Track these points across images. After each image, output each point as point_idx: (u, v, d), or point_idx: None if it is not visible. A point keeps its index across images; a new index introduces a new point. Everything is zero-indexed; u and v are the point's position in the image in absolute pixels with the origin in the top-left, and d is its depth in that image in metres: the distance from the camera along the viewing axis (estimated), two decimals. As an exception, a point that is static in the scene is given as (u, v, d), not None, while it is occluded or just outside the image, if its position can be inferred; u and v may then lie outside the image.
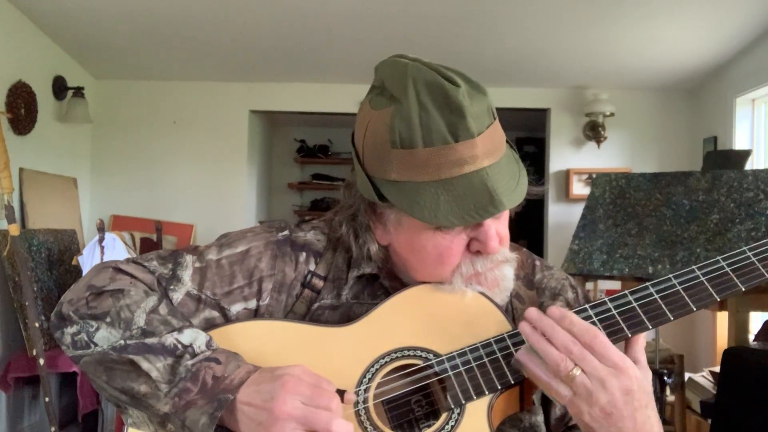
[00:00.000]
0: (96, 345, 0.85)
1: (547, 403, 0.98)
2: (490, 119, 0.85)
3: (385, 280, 0.96)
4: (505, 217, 0.90)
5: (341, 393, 0.82)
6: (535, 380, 0.81)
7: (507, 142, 0.90)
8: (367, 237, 0.92)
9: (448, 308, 0.89)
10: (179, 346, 0.83)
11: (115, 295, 0.87)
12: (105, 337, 0.84)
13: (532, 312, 0.82)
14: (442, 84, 0.82)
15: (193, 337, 0.84)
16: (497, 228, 0.87)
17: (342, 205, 0.96)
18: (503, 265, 0.91)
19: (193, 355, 0.82)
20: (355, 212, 0.93)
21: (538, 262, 1.04)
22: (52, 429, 3.19)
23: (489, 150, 0.83)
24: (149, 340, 0.83)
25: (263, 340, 0.88)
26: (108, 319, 0.85)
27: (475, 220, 0.83)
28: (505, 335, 0.87)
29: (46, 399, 3.18)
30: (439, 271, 0.89)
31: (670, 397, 3.15)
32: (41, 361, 3.13)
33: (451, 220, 0.82)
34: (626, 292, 0.88)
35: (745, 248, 0.87)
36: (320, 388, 0.78)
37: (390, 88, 0.86)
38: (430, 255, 0.88)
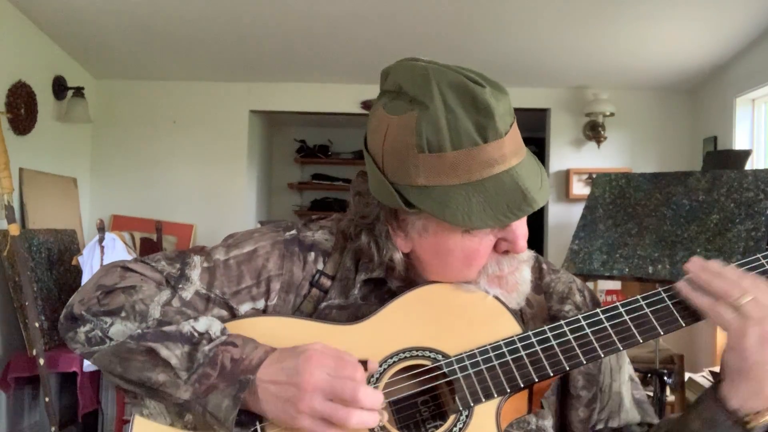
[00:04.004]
0: (111, 339, 0.84)
1: (567, 407, 0.97)
2: (512, 118, 0.84)
3: (393, 283, 0.95)
4: (525, 216, 0.90)
5: (364, 363, 0.82)
6: (696, 303, 0.82)
7: None
8: (389, 245, 0.90)
9: (457, 309, 0.88)
10: (195, 333, 0.83)
11: (128, 291, 0.87)
12: (121, 330, 0.84)
13: (697, 259, 0.85)
14: (468, 85, 0.81)
15: (208, 324, 0.84)
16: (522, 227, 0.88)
17: (354, 215, 0.94)
18: (523, 266, 0.90)
19: (210, 340, 0.82)
20: (372, 221, 0.91)
21: (544, 266, 1.03)
22: (52, 429, 3.19)
23: (515, 149, 0.83)
24: (167, 328, 0.83)
25: (271, 336, 0.88)
26: (123, 314, 0.85)
27: (510, 220, 0.82)
28: (515, 338, 0.86)
29: (46, 399, 3.17)
30: (466, 273, 0.88)
31: (670, 397, 3.15)
32: (41, 361, 3.13)
33: (485, 221, 0.81)
34: (638, 297, 0.87)
35: (758, 255, 0.87)
36: (343, 360, 0.79)
37: (410, 92, 0.83)
38: (457, 258, 0.87)
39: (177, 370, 0.81)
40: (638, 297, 0.87)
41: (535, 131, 6.06)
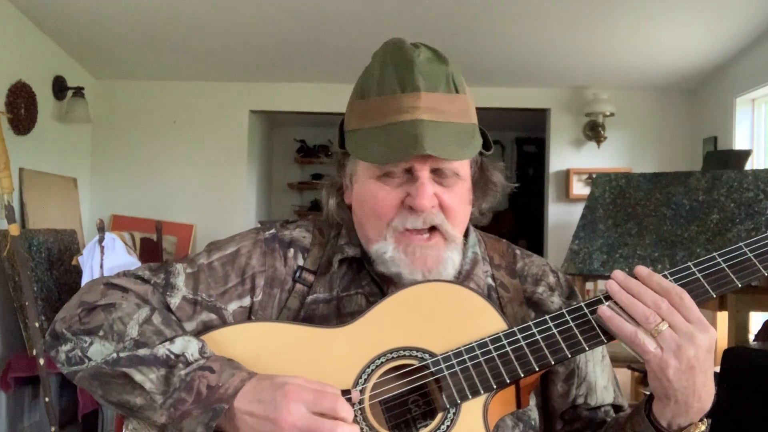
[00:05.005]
0: (90, 359, 0.85)
1: (546, 382, 0.98)
2: (447, 88, 0.90)
3: (370, 266, 0.97)
4: (459, 191, 0.93)
5: (346, 394, 0.82)
6: (619, 334, 0.82)
7: (491, 142, 0.97)
8: (332, 193, 0.99)
9: (443, 308, 0.89)
10: (171, 356, 0.82)
11: (107, 309, 0.87)
12: (99, 350, 0.84)
13: (619, 273, 0.85)
14: (403, 44, 0.92)
15: (184, 346, 0.84)
16: (440, 193, 0.91)
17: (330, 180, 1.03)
18: (442, 246, 0.92)
19: (187, 364, 0.82)
20: (335, 178, 1.01)
21: (518, 251, 1.06)
22: (52, 429, 3.19)
23: (433, 109, 0.89)
24: (141, 352, 0.83)
25: (258, 343, 0.88)
26: (101, 333, 0.85)
27: (392, 160, 0.88)
28: (501, 334, 0.87)
29: (46, 399, 3.17)
30: (376, 224, 0.92)
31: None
32: (41, 361, 3.13)
33: (375, 156, 0.89)
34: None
35: (741, 244, 0.87)
36: (323, 392, 0.78)
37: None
38: (369, 205, 0.93)
39: (152, 394, 0.81)
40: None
41: (535, 131, 6.06)
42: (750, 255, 0.86)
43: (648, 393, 0.87)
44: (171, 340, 0.84)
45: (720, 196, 2.94)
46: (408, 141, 0.86)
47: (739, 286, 0.86)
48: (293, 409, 0.76)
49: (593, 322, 0.86)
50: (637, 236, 3.08)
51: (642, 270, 0.84)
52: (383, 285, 0.96)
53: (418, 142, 0.85)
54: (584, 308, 0.87)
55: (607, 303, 0.84)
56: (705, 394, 0.82)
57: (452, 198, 0.92)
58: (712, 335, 0.80)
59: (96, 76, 4.73)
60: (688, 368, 0.79)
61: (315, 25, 3.87)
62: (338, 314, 0.95)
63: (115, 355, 0.83)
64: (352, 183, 0.97)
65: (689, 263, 0.87)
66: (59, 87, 4.18)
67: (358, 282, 0.97)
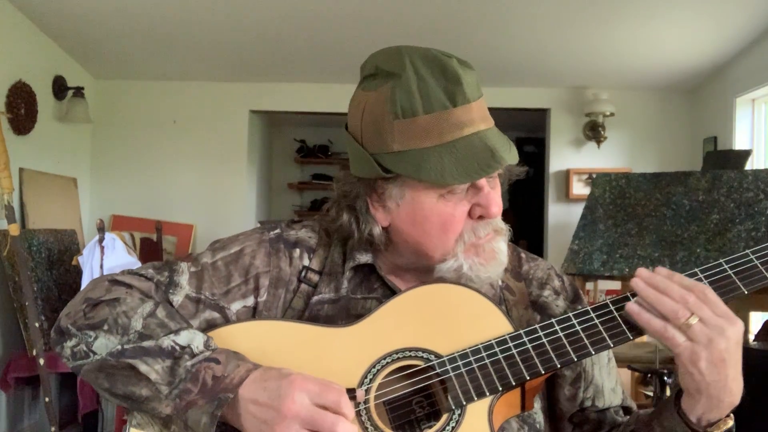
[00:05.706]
0: (95, 354, 0.85)
1: (553, 385, 0.98)
2: (479, 93, 0.90)
3: (382, 271, 0.97)
4: (498, 188, 0.94)
5: (352, 391, 0.82)
6: (647, 328, 0.83)
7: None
8: (368, 219, 0.93)
9: (449, 309, 0.89)
10: (177, 347, 0.83)
11: (112, 303, 0.88)
12: (103, 344, 0.85)
13: (643, 270, 0.85)
14: (437, 56, 0.88)
15: (190, 338, 0.84)
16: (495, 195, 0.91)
17: (336, 199, 0.98)
18: (499, 237, 0.93)
19: (192, 355, 0.82)
20: (353, 199, 0.94)
21: (523, 255, 1.06)
22: (52, 429, 3.19)
23: (483, 116, 0.89)
24: (146, 343, 0.83)
25: (263, 341, 0.88)
26: (105, 327, 0.86)
27: (481, 176, 0.87)
28: (507, 336, 0.87)
29: (46, 399, 3.17)
30: (443, 241, 0.90)
31: (670, 397, 3.13)
32: (41, 361, 3.13)
33: (457, 177, 0.85)
34: (628, 294, 0.88)
35: (748, 251, 0.88)
36: (329, 385, 0.78)
37: (386, 68, 0.89)
38: (434, 225, 0.90)
39: (158, 384, 0.81)
40: (628, 294, 0.88)
41: (535, 131, 6.06)
42: (757, 262, 0.87)
43: (651, 394, 0.87)
44: (176, 332, 0.85)
45: (720, 196, 2.94)
46: (485, 155, 0.86)
47: (746, 293, 0.86)
48: (297, 397, 0.76)
49: (599, 326, 0.86)
50: (637, 236, 3.08)
51: (662, 270, 0.84)
52: (396, 289, 0.96)
53: (496, 154, 0.86)
54: (590, 312, 0.87)
55: (633, 299, 0.84)
56: (735, 387, 0.82)
57: (499, 196, 0.93)
58: (740, 328, 0.81)
59: (96, 76, 4.73)
60: (719, 361, 0.79)
61: (315, 25, 3.87)
62: (344, 315, 0.94)
63: (120, 347, 0.84)
64: (396, 206, 0.91)
65: (696, 270, 0.87)
66: (59, 87, 4.18)
67: (369, 286, 0.97)
